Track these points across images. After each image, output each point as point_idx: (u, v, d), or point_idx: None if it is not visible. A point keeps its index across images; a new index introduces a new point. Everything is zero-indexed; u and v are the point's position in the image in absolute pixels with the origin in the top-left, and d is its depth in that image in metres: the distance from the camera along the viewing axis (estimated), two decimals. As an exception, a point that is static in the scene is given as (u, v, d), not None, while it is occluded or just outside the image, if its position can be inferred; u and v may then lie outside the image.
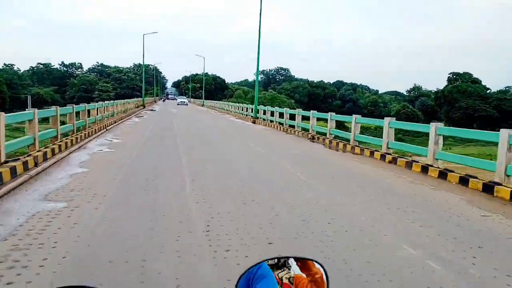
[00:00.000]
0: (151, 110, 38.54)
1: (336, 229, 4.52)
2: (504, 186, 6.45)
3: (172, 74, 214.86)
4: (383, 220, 4.95)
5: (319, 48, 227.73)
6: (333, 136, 14.11)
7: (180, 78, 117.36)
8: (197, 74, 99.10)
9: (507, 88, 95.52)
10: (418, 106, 79.78)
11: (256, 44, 24.44)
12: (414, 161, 8.95)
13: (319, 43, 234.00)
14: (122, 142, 12.45)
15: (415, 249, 3.99)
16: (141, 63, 52.28)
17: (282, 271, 0.95)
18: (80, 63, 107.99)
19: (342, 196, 6.18)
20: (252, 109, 27.12)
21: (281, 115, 20.33)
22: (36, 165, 7.85)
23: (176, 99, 69.30)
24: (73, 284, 1.08)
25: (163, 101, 75.22)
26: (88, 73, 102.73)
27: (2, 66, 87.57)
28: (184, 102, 58.12)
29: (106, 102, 20.40)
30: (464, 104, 67.21)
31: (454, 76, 79.23)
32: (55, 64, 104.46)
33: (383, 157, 10.06)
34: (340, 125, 17.85)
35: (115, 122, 19.19)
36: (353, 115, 12.59)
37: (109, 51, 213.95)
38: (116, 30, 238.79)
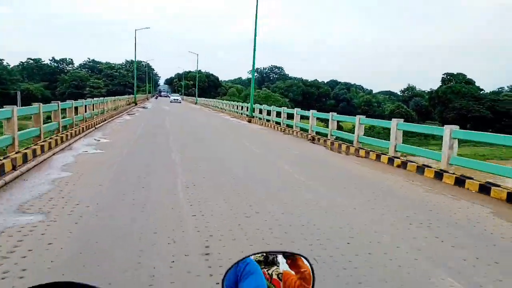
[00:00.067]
0: (143, 107, 37.63)
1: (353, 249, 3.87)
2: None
3: (164, 71, 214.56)
4: (408, 240, 4.30)
5: (318, 48, 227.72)
6: (334, 137, 13.47)
7: (173, 75, 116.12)
8: (190, 72, 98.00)
9: (500, 89, 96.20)
10: (412, 106, 79.80)
11: (251, 43, 23.69)
12: (426, 166, 8.35)
13: (319, 43, 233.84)
14: (111, 142, 11.67)
15: (453, 278, 3.36)
16: (133, 59, 51.17)
17: (271, 267, 0.92)
18: (71, 59, 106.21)
19: (351, 204, 5.54)
20: (247, 107, 26.38)
21: (278, 114, 19.64)
22: (14, 168, 7.09)
23: (169, 97, 68.27)
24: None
25: (156, 98, 74.06)
26: (79, 69, 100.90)
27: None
28: (178, 100, 56.93)
29: (95, 99, 19.51)
30: (457, 104, 67.40)
31: (448, 77, 79.49)
32: (46, 59, 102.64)
33: (390, 161, 9.44)
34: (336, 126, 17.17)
35: (104, 120, 18.35)
36: (357, 115, 11.95)
37: (102, 48, 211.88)
38: (110, 27, 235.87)
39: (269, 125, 20.17)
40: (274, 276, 0.91)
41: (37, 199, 5.31)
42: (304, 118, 17.03)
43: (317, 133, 14.88)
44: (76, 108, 14.27)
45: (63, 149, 9.73)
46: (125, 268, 3.32)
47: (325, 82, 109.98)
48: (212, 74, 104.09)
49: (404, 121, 10.38)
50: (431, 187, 7.09)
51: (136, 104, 41.50)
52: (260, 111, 23.06)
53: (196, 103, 57.52)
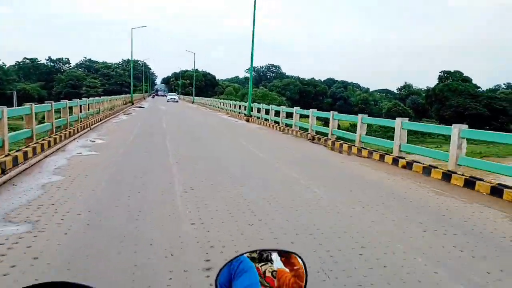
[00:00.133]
0: (140, 107, 37.19)
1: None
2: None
3: (161, 70, 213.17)
4: (425, 249, 4.00)
5: (318, 48, 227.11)
6: (335, 137, 13.16)
7: (170, 75, 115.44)
8: (187, 71, 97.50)
9: (496, 87, 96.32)
10: (409, 104, 79.74)
11: (249, 41, 23.36)
12: (433, 166, 8.05)
13: (318, 42, 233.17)
14: (106, 143, 11.32)
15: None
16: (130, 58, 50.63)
17: (265, 264, 0.91)
18: (68, 58, 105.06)
19: (358, 208, 5.23)
20: (245, 106, 26.03)
21: (277, 113, 19.32)
22: (3, 172, 6.74)
23: (166, 96, 67.73)
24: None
25: (153, 97, 73.53)
26: (75, 68, 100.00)
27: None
28: (175, 99, 56.37)
29: (90, 99, 19.10)
30: (454, 102, 67.36)
31: (445, 75, 79.54)
32: (42, 59, 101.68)
33: (395, 161, 9.15)
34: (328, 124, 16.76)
35: (100, 120, 17.96)
36: (359, 114, 11.65)
37: (102, 48, 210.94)
38: (110, 27, 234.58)
39: (268, 125, 19.83)
40: (268, 274, 0.90)
41: (25, 206, 4.96)
42: (303, 117, 16.71)
43: (317, 132, 14.56)
44: (70, 108, 13.90)
45: (56, 151, 9.37)
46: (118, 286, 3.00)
47: (322, 80, 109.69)
48: (209, 73, 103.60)
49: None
50: (440, 190, 6.80)
51: (132, 103, 41.05)
52: (258, 110, 22.72)
53: (193, 102, 57.08)
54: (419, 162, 8.59)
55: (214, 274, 3.10)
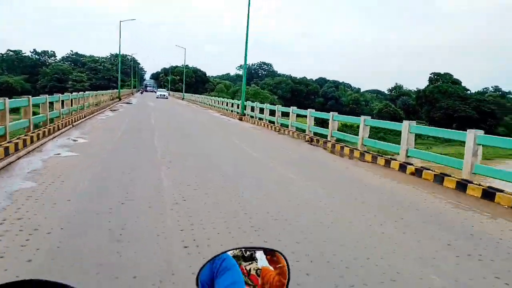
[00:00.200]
0: (128, 103, 36.06)
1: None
2: None
3: (151, 66, 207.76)
4: (464, 279, 3.34)
5: (318, 48, 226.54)
6: (335, 139, 12.50)
7: (159, 70, 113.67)
8: (177, 66, 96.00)
9: (484, 89, 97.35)
10: (400, 105, 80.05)
11: (242, 38, 22.58)
12: (445, 174, 7.45)
13: (318, 42, 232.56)
14: (89, 142, 10.45)
15: None
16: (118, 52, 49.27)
17: (249, 263, 0.89)
18: (53, 51, 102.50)
19: (370, 225, 4.57)
20: (238, 105, 25.26)
21: (272, 112, 18.62)
22: (-34, 176, 5.88)
23: (155, 92, 66.42)
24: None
25: (141, 93, 71.99)
26: (61, 62, 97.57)
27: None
28: (164, 95, 55.03)
29: (74, 93, 18.07)
30: (444, 104, 67.88)
31: (436, 77, 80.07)
32: (27, 51, 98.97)
33: (402, 167, 8.53)
34: (324, 123, 16.16)
35: (84, 117, 16.97)
36: (362, 116, 11.02)
37: (91, 43, 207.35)
38: (101, 19, 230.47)
39: (262, 124, 19.10)
40: (252, 272, 0.88)
41: (-16, 222, 4.15)
42: (299, 117, 16.04)
43: (316, 134, 13.89)
44: (51, 103, 12.95)
45: (32, 151, 8.49)
46: None
47: (314, 79, 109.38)
48: (199, 70, 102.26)
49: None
50: (457, 201, 6.19)
51: (120, 99, 39.88)
52: (252, 109, 21.95)
53: (183, 99, 55.99)
54: (429, 169, 7.98)
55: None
